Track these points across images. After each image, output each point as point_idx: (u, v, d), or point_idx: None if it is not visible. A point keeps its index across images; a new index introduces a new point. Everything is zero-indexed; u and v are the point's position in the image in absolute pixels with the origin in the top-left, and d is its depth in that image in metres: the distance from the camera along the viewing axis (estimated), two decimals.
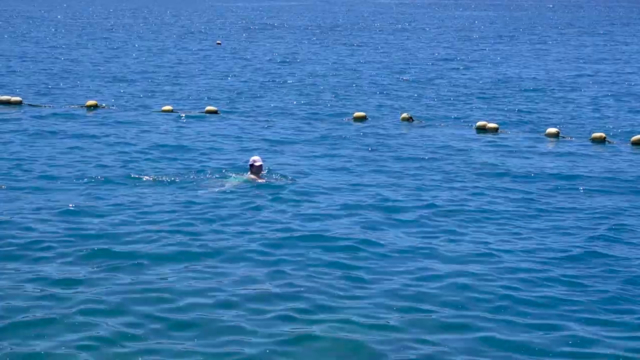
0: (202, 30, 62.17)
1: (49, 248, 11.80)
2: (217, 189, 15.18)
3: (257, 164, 15.75)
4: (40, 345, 8.79)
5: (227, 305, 9.94)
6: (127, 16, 76.39)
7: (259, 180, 15.65)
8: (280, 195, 14.87)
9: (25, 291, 10.19)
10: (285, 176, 16.16)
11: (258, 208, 14.11)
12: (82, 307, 9.68)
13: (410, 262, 11.59)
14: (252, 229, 12.89)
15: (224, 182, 15.62)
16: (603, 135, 20.97)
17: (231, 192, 15.03)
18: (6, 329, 9.12)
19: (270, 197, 14.76)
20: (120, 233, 12.55)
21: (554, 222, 13.61)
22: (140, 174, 16.28)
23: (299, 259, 11.56)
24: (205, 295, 10.25)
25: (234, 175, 16.01)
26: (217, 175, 16.12)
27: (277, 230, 12.84)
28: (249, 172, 15.82)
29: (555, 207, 14.56)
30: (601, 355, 8.88)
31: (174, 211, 13.73)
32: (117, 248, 11.82)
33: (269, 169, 16.42)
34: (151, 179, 15.87)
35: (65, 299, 9.94)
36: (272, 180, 15.83)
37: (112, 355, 8.64)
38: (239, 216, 13.59)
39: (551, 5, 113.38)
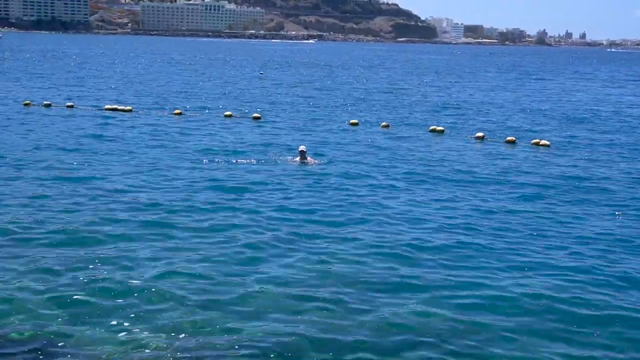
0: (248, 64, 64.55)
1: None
2: (276, 165, 16.70)
3: (300, 149, 17.29)
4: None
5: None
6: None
7: (304, 162, 17.21)
8: (318, 172, 16.32)
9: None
10: (320, 160, 17.60)
11: (304, 179, 15.56)
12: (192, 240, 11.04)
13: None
14: (297, 192, 14.23)
15: (280, 162, 17.14)
16: (513, 138, 22.70)
17: (286, 168, 16.66)
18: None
19: (311, 173, 16.23)
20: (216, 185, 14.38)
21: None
22: (233, 158, 17.78)
23: (332, 214, 12.69)
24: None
25: (288, 157, 17.55)
26: (276, 157, 17.64)
27: (314, 193, 14.25)
28: (297, 156, 17.41)
29: (480, 186, 16.03)
30: None
31: (248, 176, 15.47)
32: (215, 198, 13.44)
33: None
34: (236, 161, 17.29)
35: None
36: (313, 162, 17.30)
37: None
38: (289, 183, 14.98)
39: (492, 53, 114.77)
